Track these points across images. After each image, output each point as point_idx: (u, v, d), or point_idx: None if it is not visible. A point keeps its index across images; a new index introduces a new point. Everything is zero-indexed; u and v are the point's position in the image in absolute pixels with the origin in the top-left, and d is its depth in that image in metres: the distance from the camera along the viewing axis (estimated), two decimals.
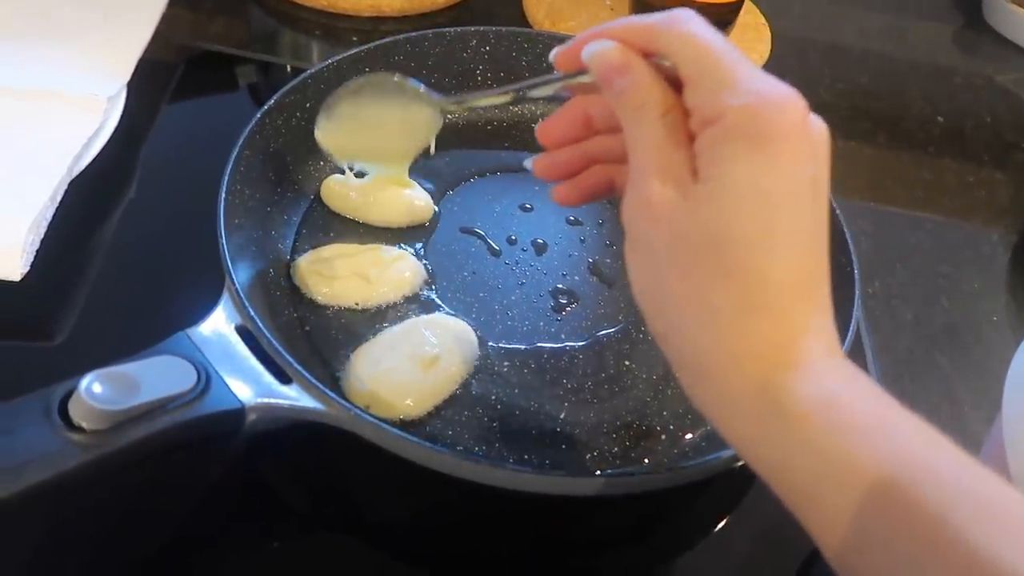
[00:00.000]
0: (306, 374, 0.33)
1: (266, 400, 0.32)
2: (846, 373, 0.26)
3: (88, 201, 0.47)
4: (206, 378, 0.31)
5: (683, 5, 0.62)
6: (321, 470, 0.39)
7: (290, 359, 0.33)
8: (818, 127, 0.27)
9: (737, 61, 0.27)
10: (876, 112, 0.67)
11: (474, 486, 0.33)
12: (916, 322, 0.50)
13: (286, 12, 0.67)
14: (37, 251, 0.41)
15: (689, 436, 0.40)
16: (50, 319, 0.42)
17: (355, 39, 0.66)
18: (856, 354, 0.47)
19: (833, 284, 0.27)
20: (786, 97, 0.26)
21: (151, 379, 0.30)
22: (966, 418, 0.46)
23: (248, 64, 0.63)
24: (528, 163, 0.35)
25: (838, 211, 0.44)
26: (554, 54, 0.31)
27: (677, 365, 0.28)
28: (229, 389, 0.31)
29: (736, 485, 0.41)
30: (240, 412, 0.31)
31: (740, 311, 0.25)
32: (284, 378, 0.33)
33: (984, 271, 0.55)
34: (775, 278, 0.25)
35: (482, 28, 0.54)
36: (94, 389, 0.28)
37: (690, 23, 0.27)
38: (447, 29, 0.54)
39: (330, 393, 0.33)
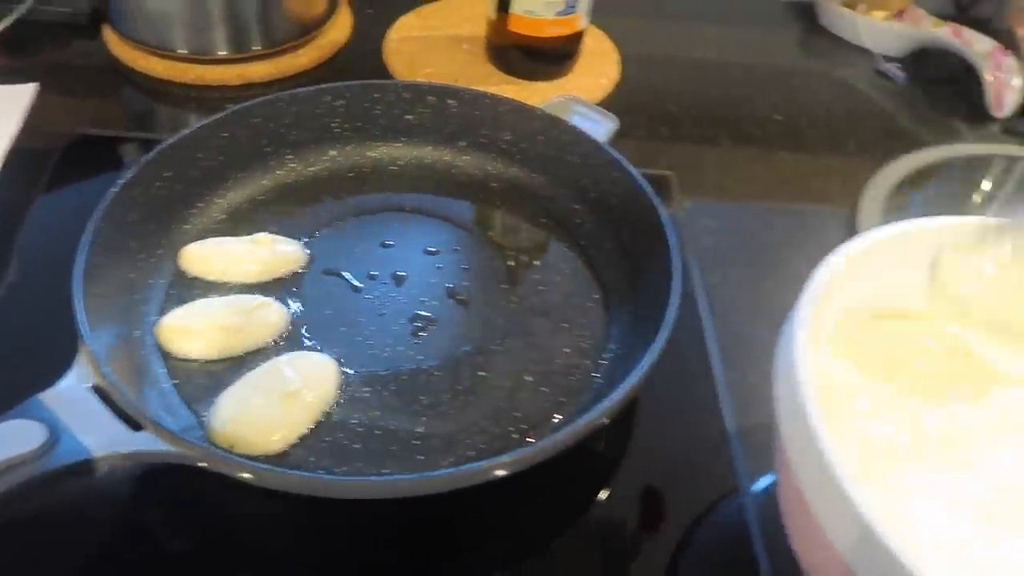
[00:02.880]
0: (154, 418, 0.35)
1: (114, 449, 0.34)
2: None
3: None
4: (56, 436, 0.33)
5: (528, 43, 0.67)
6: (201, 513, 0.41)
7: (137, 406, 0.36)
8: None
9: None
10: (719, 117, 0.73)
11: (338, 504, 0.36)
12: (755, 305, 0.55)
13: (158, 89, 0.70)
14: None
15: (536, 441, 0.43)
16: None
17: (228, 105, 0.69)
18: (697, 337, 0.51)
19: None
20: None
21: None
22: None
23: (131, 142, 0.66)
24: None
25: (662, 213, 0.49)
26: None
27: None
28: (78, 442, 0.34)
29: (605, 462, 0.44)
30: (90, 462, 0.33)
31: None
32: (137, 427, 0.36)
33: (820, 251, 0.60)
34: None
35: (335, 84, 0.58)
36: None
37: None
38: (300, 89, 0.57)
39: (178, 435, 0.35)
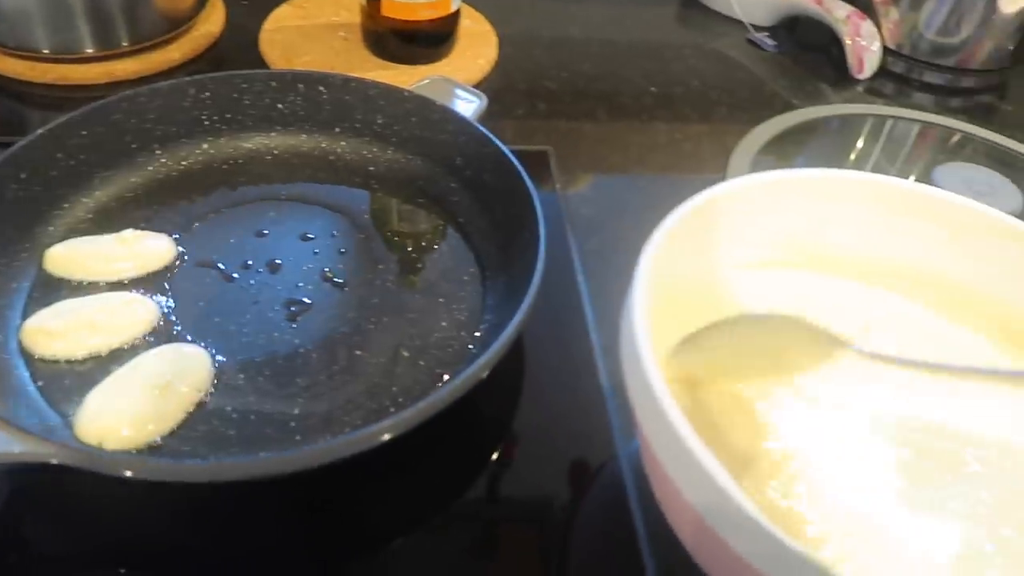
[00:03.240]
0: (3, 417, 0.34)
1: None
2: None
3: None
4: None
5: (403, 27, 0.67)
6: (74, 515, 0.41)
7: None
8: None
9: None
10: (596, 92, 0.75)
11: (223, 490, 0.36)
12: (627, 268, 0.56)
13: (21, 92, 0.68)
14: None
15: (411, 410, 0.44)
16: None
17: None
18: (575, 302, 0.53)
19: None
20: None
21: None
22: None
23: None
24: None
25: (530, 187, 0.50)
26: None
27: None
28: None
29: (494, 431, 0.46)
30: None
31: None
32: None
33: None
34: None
35: (198, 76, 0.57)
36: None
37: None
38: (161, 83, 0.56)
39: (34, 432, 0.35)
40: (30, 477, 0.40)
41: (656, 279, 0.37)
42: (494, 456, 0.45)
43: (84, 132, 0.53)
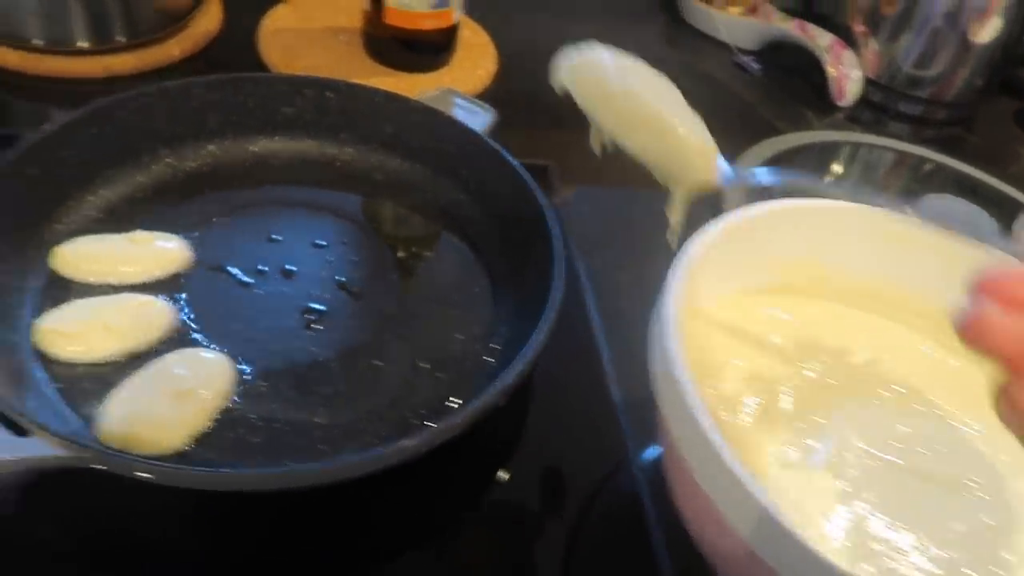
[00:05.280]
0: (40, 422, 0.34)
1: (3, 456, 0.33)
2: None
3: None
4: None
5: (404, 35, 0.68)
6: (94, 518, 0.40)
7: (21, 410, 0.34)
8: None
9: None
10: None
11: (246, 499, 0.36)
12: (635, 284, 0.58)
13: (19, 84, 0.66)
14: None
15: (436, 424, 0.45)
16: None
17: (94, 102, 0.66)
18: (582, 320, 0.54)
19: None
20: None
21: None
22: None
23: None
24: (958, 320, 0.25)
25: (543, 199, 0.51)
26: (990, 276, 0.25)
27: None
28: None
29: (505, 441, 0.46)
30: None
31: None
32: (22, 432, 0.35)
33: (690, 232, 0.64)
34: None
35: (206, 77, 0.57)
36: None
37: None
38: (170, 83, 0.56)
39: (66, 437, 0.34)
40: (45, 478, 0.39)
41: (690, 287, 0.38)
42: (504, 467, 0.46)
43: (92, 130, 0.52)
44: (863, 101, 0.87)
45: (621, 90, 0.35)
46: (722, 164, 0.36)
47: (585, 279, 0.57)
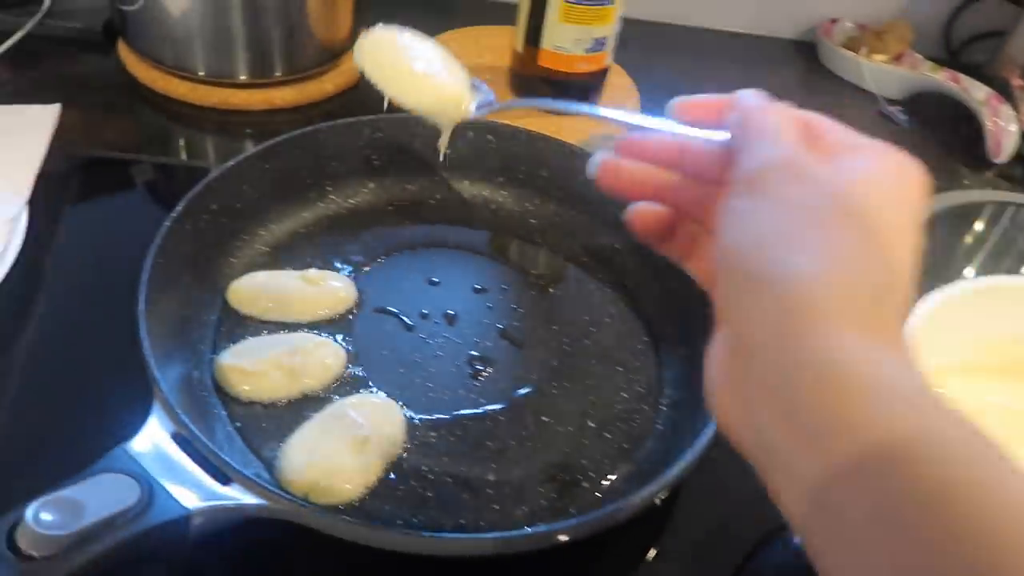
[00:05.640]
0: (245, 472, 0.34)
1: (210, 503, 0.33)
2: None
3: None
4: (149, 490, 0.32)
5: (557, 77, 0.68)
6: (266, 564, 0.40)
7: (227, 460, 0.35)
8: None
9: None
10: None
11: (416, 557, 0.36)
12: None
13: (177, 111, 0.68)
14: None
15: (610, 480, 0.43)
16: None
17: (248, 131, 0.68)
18: None
19: None
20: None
21: (95, 499, 0.31)
22: None
23: (144, 163, 0.64)
24: (594, 164, 0.34)
25: None
26: (675, 103, 0.33)
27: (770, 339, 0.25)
28: (173, 498, 0.33)
29: (659, 518, 0.44)
30: (186, 519, 0.32)
31: (869, 265, 0.25)
32: (224, 479, 0.35)
33: None
34: (900, 255, 0.26)
35: (372, 117, 0.58)
36: (41, 517, 0.29)
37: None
38: (339, 121, 0.57)
39: (271, 488, 0.34)
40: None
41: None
42: (654, 547, 0.44)
43: (267, 165, 0.53)
44: (1017, 157, 0.82)
45: (392, 59, 0.44)
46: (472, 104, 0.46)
47: None
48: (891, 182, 0.27)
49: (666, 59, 0.87)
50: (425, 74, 0.45)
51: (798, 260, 0.25)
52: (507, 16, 0.83)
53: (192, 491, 0.33)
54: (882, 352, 0.24)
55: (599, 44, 0.68)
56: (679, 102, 0.33)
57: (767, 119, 0.29)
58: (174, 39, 0.66)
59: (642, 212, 0.35)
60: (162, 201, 0.62)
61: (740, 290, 0.26)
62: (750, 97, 0.31)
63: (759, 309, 0.25)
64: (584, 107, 0.40)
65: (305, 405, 0.44)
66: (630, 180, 0.34)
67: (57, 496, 0.30)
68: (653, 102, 0.78)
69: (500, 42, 0.80)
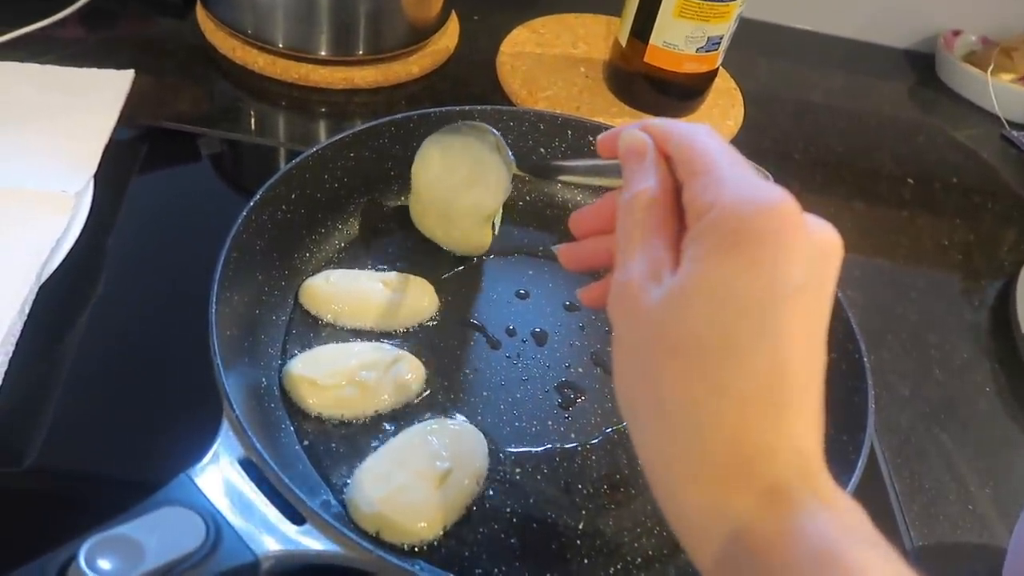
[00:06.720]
0: (322, 515, 0.30)
1: (281, 548, 0.29)
2: (813, 507, 0.23)
3: (54, 305, 0.43)
4: (216, 530, 0.28)
5: (662, 75, 0.62)
6: None
7: (302, 497, 0.31)
8: (820, 235, 0.25)
9: (732, 165, 0.26)
10: (848, 175, 0.68)
11: None
12: (913, 397, 0.50)
13: (253, 85, 0.64)
14: (6, 371, 0.38)
15: None
16: (22, 448, 0.38)
17: (323, 110, 0.64)
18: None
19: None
20: (773, 201, 0.24)
21: (157, 538, 0.27)
22: (973, 498, 0.46)
23: (211, 136, 0.61)
24: (555, 249, 0.36)
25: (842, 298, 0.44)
26: (600, 139, 0.33)
27: (648, 475, 0.27)
28: (241, 540, 0.29)
29: None
30: (255, 565, 0.29)
31: (695, 424, 0.24)
32: (296, 517, 0.31)
33: (969, 340, 0.55)
34: (734, 388, 0.24)
35: (466, 107, 0.53)
36: (99, 564, 0.25)
37: (699, 134, 0.28)
38: (432, 110, 0.52)
39: (348, 533, 0.30)
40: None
41: None
42: None
43: (351, 154, 0.49)
44: None
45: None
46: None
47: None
48: (724, 288, 0.24)
49: (771, 60, 0.81)
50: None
51: (643, 424, 0.26)
52: (595, 2, 0.77)
53: (262, 533, 0.30)
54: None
55: (713, 43, 0.62)
56: (601, 138, 0.33)
57: (624, 226, 0.28)
58: (255, 6, 0.62)
59: (565, 251, 0.36)
60: (228, 178, 0.58)
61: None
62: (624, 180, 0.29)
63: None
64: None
65: (379, 426, 0.40)
66: (591, 254, 0.35)
67: (113, 535, 0.26)
68: (757, 109, 0.72)
69: (595, 31, 0.75)
